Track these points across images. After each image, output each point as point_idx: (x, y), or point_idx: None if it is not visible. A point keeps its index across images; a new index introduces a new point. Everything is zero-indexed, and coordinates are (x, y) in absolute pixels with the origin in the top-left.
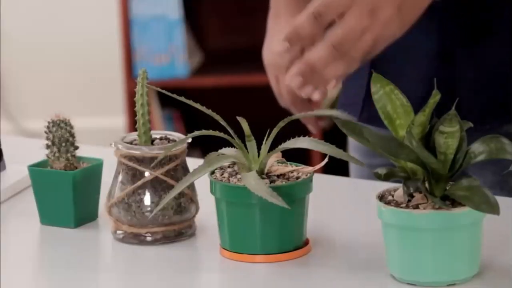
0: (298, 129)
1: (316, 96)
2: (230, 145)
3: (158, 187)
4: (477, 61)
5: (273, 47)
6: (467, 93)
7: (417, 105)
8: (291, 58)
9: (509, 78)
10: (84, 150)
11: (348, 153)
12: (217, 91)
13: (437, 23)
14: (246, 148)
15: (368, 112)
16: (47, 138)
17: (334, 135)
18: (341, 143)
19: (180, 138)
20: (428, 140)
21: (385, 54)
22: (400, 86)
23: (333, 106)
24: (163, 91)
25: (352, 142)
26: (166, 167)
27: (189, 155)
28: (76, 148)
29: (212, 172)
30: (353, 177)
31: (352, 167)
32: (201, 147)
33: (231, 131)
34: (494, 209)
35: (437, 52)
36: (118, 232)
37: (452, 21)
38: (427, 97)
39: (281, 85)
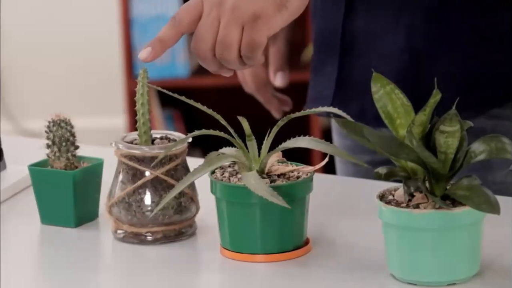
0: (298, 128)
1: (277, 81)
2: (231, 144)
3: (158, 186)
4: (446, 55)
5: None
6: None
7: None
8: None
9: (481, 72)
10: (85, 150)
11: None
12: (217, 91)
13: (406, 17)
14: (247, 148)
15: (337, 107)
16: (48, 138)
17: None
18: None
19: (181, 138)
20: (428, 140)
21: (354, 49)
22: (369, 79)
23: None
24: (164, 91)
25: (336, 140)
26: (167, 167)
27: (189, 154)
28: (77, 147)
29: (213, 172)
30: (339, 175)
31: (338, 164)
32: (202, 146)
33: (231, 131)
34: (494, 208)
35: (406, 47)
36: (119, 231)
37: (420, 15)
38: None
39: (244, 72)
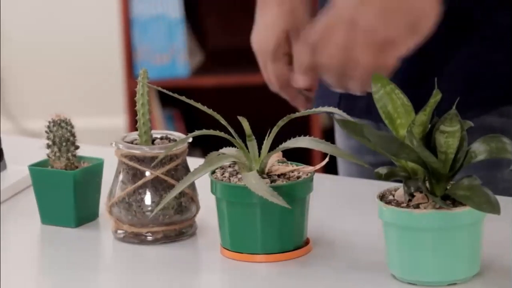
0: (298, 128)
1: (297, 83)
2: (231, 144)
3: (158, 186)
4: (454, 52)
5: (261, 35)
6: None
7: None
8: (277, 44)
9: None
10: (85, 150)
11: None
12: (217, 91)
13: None
14: (247, 148)
15: (345, 103)
16: (48, 138)
17: (334, 135)
18: None
19: (181, 138)
20: (428, 140)
21: None
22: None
23: None
24: (164, 91)
25: (339, 141)
26: (167, 167)
27: (189, 154)
28: (77, 147)
29: (213, 172)
30: (341, 175)
31: (340, 164)
32: (202, 146)
33: (231, 131)
34: (495, 208)
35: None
36: (119, 231)
37: None
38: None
39: (269, 71)
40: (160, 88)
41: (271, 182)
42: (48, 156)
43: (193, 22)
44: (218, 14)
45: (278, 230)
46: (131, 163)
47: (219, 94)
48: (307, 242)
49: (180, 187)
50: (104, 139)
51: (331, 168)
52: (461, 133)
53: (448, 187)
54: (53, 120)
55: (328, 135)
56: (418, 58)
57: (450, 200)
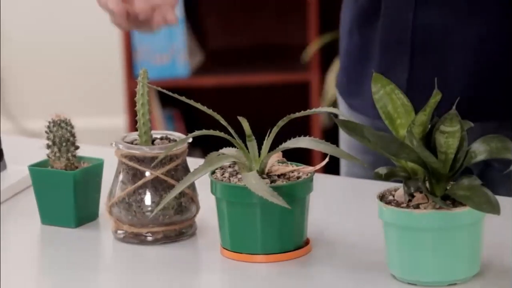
0: (298, 128)
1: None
2: (231, 145)
3: (158, 186)
4: None
5: None
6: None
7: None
8: None
9: None
10: (85, 150)
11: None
12: (217, 91)
13: (480, 7)
14: (247, 148)
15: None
16: (48, 138)
17: (334, 135)
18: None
19: (181, 138)
20: (428, 140)
21: (426, 45)
22: (442, 74)
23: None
24: (164, 91)
25: (342, 136)
26: (167, 167)
27: (189, 155)
28: (77, 148)
29: (213, 172)
30: (343, 175)
31: (342, 165)
32: (202, 147)
33: (231, 131)
34: (495, 209)
35: (483, 37)
36: (119, 231)
37: (495, 4)
38: (470, 87)
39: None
40: (160, 88)
41: (271, 182)
42: (48, 156)
43: (193, 22)
44: (218, 14)
45: (278, 230)
46: (131, 163)
47: (219, 94)
48: (307, 242)
49: (180, 187)
50: (104, 139)
51: (331, 168)
52: (461, 133)
53: (448, 187)
54: (53, 120)
55: (328, 135)
56: (496, 47)
57: (450, 200)
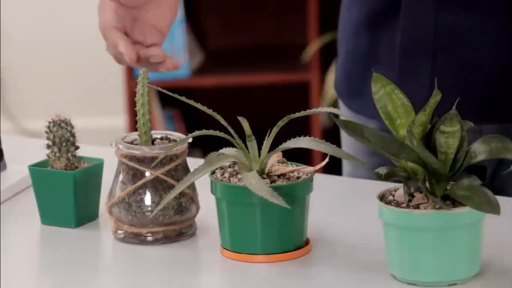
0: (298, 128)
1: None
2: (231, 145)
3: (158, 187)
4: None
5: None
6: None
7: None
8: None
9: None
10: (85, 150)
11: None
12: (217, 91)
13: (498, 5)
14: (247, 148)
15: None
16: (48, 138)
17: (334, 135)
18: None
19: (181, 138)
20: (428, 140)
21: (448, 46)
22: (465, 75)
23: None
24: (164, 91)
25: (347, 141)
26: (167, 167)
27: (189, 155)
28: (77, 148)
29: (213, 172)
30: (346, 176)
31: (345, 166)
32: (202, 147)
33: (231, 131)
34: (495, 209)
35: (500, 39)
36: (119, 232)
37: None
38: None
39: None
40: (160, 88)
41: (271, 182)
42: (48, 156)
43: (194, 23)
44: (218, 14)
45: (278, 230)
46: (131, 164)
47: (219, 94)
48: (307, 242)
49: (180, 187)
50: (104, 139)
51: (331, 168)
52: (461, 133)
53: (448, 187)
54: (53, 120)
55: (328, 135)
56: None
57: (450, 200)
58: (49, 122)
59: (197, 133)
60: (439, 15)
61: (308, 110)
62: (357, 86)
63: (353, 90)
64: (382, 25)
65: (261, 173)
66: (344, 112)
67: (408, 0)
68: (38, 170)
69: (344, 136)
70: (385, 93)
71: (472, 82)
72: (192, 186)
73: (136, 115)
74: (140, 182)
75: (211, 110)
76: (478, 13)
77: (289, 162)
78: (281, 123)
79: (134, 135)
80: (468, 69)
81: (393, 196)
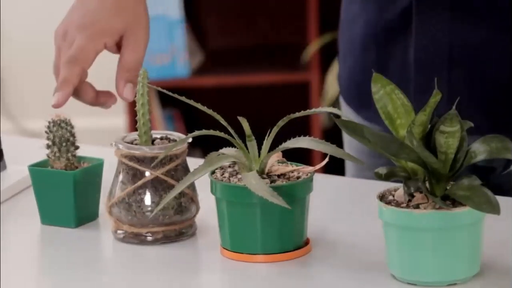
0: (298, 128)
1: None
2: (231, 145)
3: (158, 187)
4: None
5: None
6: None
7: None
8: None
9: None
10: (85, 150)
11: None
12: (217, 91)
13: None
14: (247, 148)
15: None
16: (48, 138)
17: (334, 135)
18: (342, 143)
19: (181, 138)
20: (428, 140)
21: (463, 62)
22: (480, 87)
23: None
24: (164, 91)
25: (349, 141)
26: (167, 167)
27: (189, 155)
28: (77, 148)
29: (213, 172)
30: (349, 177)
31: (348, 167)
32: (202, 147)
33: (231, 131)
34: (494, 209)
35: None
36: (119, 232)
37: None
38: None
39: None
40: (160, 88)
41: (271, 182)
42: (48, 156)
43: (193, 22)
44: (218, 14)
45: (278, 230)
46: (131, 163)
47: (219, 94)
48: (307, 242)
49: (180, 187)
50: (104, 139)
51: (331, 168)
52: (461, 133)
53: (448, 187)
54: (53, 120)
55: (328, 135)
56: None
57: (450, 200)
58: (49, 122)
59: (197, 133)
60: (453, 29)
61: (308, 110)
62: (368, 98)
63: (364, 102)
64: (393, 40)
65: (261, 173)
66: (344, 112)
67: (421, 15)
68: (38, 170)
69: (346, 136)
70: (385, 93)
71: (488, 95)
72: (192, 186)
73: (136, 115)
74: (140, 182)
75: (211, 110)
76: (491, 26)
77: (289, 162)
78: (281, 123)
79: (134, 135)
80: (483, 83)
81: (393, 196)
